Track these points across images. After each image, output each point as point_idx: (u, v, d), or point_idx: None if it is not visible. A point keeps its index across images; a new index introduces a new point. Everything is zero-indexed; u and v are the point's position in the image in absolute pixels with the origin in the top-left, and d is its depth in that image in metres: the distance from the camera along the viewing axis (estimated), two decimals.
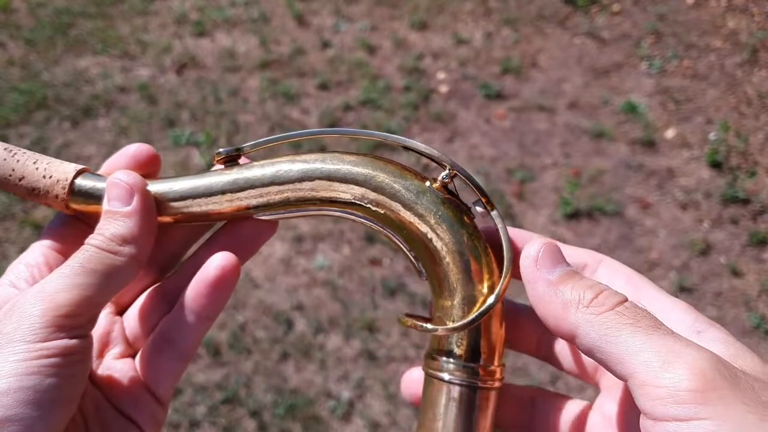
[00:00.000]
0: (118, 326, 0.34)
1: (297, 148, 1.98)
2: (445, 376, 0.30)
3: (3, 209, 1.77)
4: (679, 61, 2.42)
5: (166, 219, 0.32)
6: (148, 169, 0.33)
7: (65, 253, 0.32)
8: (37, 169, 0.31)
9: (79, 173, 0.31)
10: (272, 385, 1.42)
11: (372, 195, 0.30)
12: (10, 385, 0.25)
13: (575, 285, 0.26)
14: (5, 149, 0.31)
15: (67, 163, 0.32)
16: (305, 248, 1.70)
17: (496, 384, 0.31)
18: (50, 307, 0.26)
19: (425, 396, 0.31)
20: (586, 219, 1.85)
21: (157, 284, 0.34)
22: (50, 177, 0.31)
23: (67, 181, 0.31)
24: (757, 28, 2.55)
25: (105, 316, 0.33)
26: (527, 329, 0.34)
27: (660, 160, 2.02)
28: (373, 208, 0.30)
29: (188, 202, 0.31)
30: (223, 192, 0.31)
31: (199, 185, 0.31)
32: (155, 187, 0.31)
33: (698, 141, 2.09)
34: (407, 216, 0.30)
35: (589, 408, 0.33)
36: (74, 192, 0.31)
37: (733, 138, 2.09)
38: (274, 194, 0.31)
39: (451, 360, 0.30)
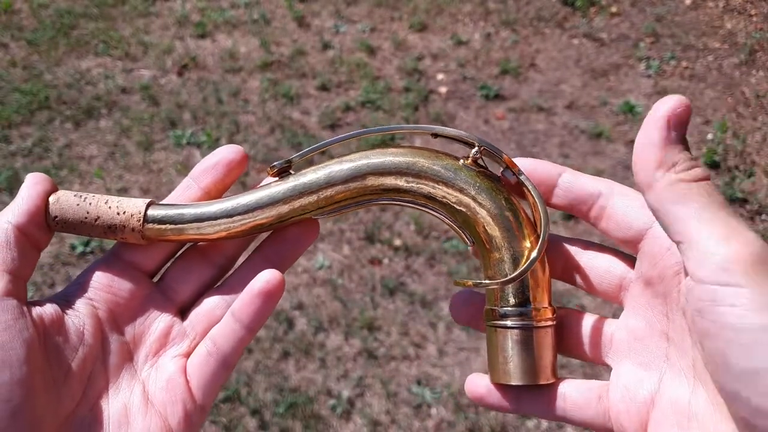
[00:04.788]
0: (177, 326, 0.35)
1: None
2: (507, 323, 0.34)
3: None
4: (677, 62, 2.43)
5: (237, 230, 0.34)
6: (239, 168, 0.36)
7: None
8: (110, 208, 0.34)
9: (149, 205, 0.34)
10: (273, 383, 1.43)
11: (416, 179, 0.34)
12: None
13: (680, 153, 0.28)
14: (75, 195, 0.34)
15: (135, 198, 0.35)
16: None
17: (550, 322, 0.35)
18: None
19: (492, 344, 0.35)
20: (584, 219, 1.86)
21: (215, 288, 0.36)
22: (124, 213, 0.34)
23: (140, 213, 0.34)
24: (754, 29, 2.56)
25: (166, 316, 0.35)
26: (552, 255, 0.37)
27: None
28: (419, 190, 0.34)
29: (256, 213, 0.34)
30: (284, 200, 0.34)
31: (262, 197, 0.34)
32: (215, 207, 0.34)
33: (696, 141, 2.10)
34: (450, 191, 0.34)
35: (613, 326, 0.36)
36: (148, 222, 0.34)
37: (730, 138, 2.10)
38: (330, 193, 0.34)
39: (508, 309, 0.34)
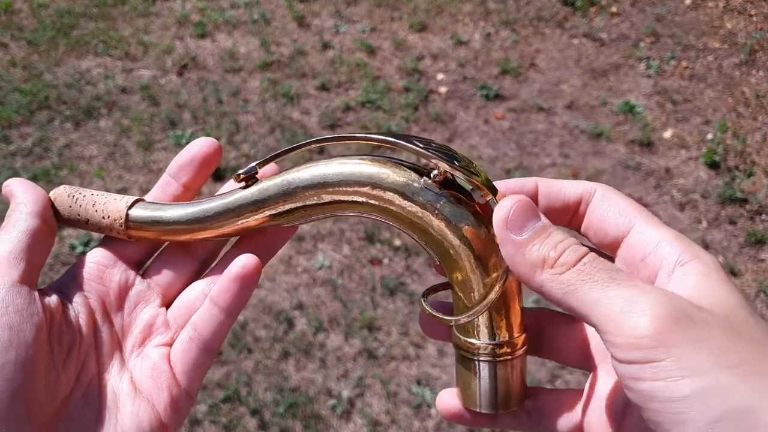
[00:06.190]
0: (161, 317, 0.36)
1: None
2: (472, 355, 0.33)
3: None
4: (677, 61, 2.43)
5: (205, 235, 0.35)
6: (215, 162, 0.37)
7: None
8: (96, 211, 0.35)
9: (130, 207, 0.35)
10: (273, 383, 1.43)
11: (376, 193, 0.32)
12: None
13: (542, 245, 0.28)
14: (68, 196, 0.36)
15: (120, 198, 0.36)
16: (305, 248, 1.71)
17: (518, 353, 0.33)
18: None
19: (460, 366, 0.35)
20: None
21: (198, 279, 0.37)
22: (108, 217, 0.35)
23: (121, 219, 0.35)
24: (754, 29, 2.56)
25: (151, 308, 0.36)
26: None
27: (658, 160, 2.03)
28: (379, 206, 0.32)
29: (221, 220, 0.35)
30: (245, 209, 0.34)
31: (227, 205, 0.35)
32: (184, 210, 0.35)
33: (696, 141, 2.10)
34: (410, 210, 0.32)
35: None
36: (130, 225, 0.35)
37: (730, 138, 2.10)
38: (288, 205, 0.34)
39: (473, 341, 0.33)
